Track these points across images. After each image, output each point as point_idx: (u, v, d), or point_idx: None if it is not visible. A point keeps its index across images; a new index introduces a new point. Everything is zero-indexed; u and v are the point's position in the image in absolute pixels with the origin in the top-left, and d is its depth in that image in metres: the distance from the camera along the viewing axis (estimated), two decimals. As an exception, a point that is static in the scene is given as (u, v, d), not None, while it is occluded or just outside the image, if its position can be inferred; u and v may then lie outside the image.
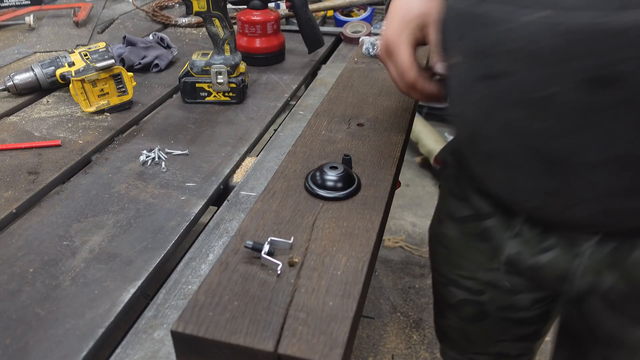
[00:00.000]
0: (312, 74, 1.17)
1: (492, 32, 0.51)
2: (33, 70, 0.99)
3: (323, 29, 1.34)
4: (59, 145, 0.83)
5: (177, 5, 1.61)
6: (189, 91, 0.98)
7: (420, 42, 0.65)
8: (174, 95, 1.04)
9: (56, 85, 1.02)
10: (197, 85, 0.97)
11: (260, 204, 0.62)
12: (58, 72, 0.98)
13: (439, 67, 0.64)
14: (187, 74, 0.97)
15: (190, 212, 0.69)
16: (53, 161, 0.79)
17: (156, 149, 0.81)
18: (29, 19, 1.38)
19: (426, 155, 2.46)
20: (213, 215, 0.69)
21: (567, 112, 0.49)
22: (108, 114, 0.94)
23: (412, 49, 0.65)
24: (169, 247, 0.63)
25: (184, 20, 1.44)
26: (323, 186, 0.64)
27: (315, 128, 0.81)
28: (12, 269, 0.59)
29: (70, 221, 0.67)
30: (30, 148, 0.83)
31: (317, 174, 0.65)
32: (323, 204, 0.62)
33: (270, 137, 0.88)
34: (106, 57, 0.96)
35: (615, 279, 0.60)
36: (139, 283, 0.58)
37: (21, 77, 0.99)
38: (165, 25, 1.45)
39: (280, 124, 0.92)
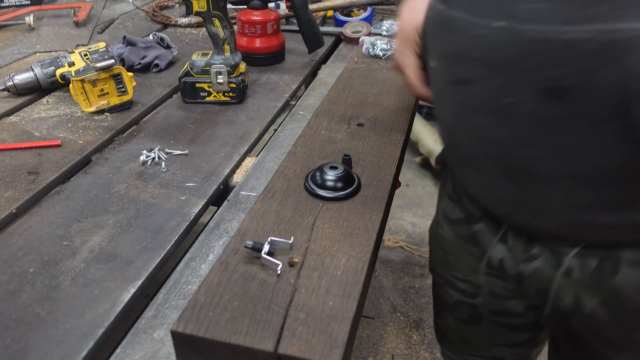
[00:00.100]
0: (312, 74, 1.17)
1: (458, 38, 0.52)
2: (33, 70, 0.99)
3: (323, 29, 1.34)
4: (59, 145, 0.83)
5: (177, 5, 1.61)
6: (189, 91, 0.98)
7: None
8: (174, 95, 1.04)
9: (56, 85, 1.02)
10: (197, 85, 0.97)
11: (260, 204, 0.62)
12: (58, 72, 0.98)
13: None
14: (187, 74, 0.97)
15: (190, 212, 0.69)
16: (53, 161, 0.79)
17: (156, 149, 0.81)
18: (29, 19, 1.38)
19: (426, 155, 2.46)
20: (213, 215, 0.69)
21: (524, 123, 0.49)
22: (108, 114, 0.93)
23: (416, 64, 0.68)
24: (169, 247, 0.63)
25: (184, 20, 1.44)
26: (323, 186, 0.64)
27: (315, 128, 0.81)
28: (12, 269, 0.59)
29: (70, 221, 0.67)
30: (30, 148, 0.83)
31: (317, 174, 0.65)
32: (323, 204, 0.62)
33: (270, 137, 0.88)
34: (106, 57, 0.96)
35: (595, 305, 0.58)
36: (139, 283, 0.58)
37: (21, 77, 0.99)
38: (165, 25, 1.45)
39: (280, 124, 0.92)
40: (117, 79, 0.92)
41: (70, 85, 0.89)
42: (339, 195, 0.63)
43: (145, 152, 0.80)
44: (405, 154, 0.84)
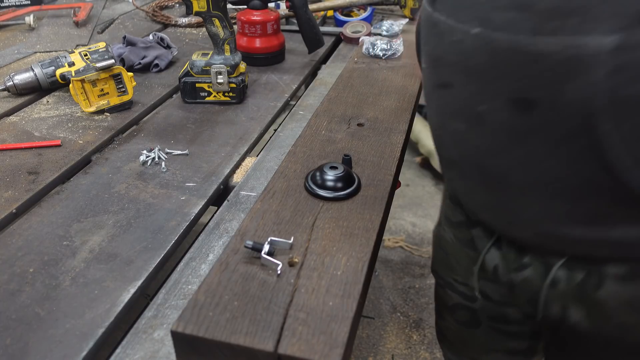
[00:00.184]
0: (312, 74, 1.17)
1: (441, 42, 0.52)
2: (33, 70, 0.99)
3: (323, 29, 1.34)
4: (59, 145, 0.83)
5: (177, 5, 1.61)
6: (189, 91, 0.98)
7: None
8: (174, 95, 1.04)
9: (56, 85, 1.02)
10: (197, 85, 0.97)
11: (260, 204, 0.62)
12: (58, 72, 0.98)
13: None
14: (187, 74, 0.97)
15: (190, 212, 0.69)
16: (53, 161, 0.79)
17: (156, 149, 0.81)
18: (29, 19, 1.38)
19: (426, 155, 2.46)
20: (213, 215, 0.69)
21: (497, 131, 0.49)
22: (108, 114, 0.93)
23: None
24: (169, 247, 0.63)
25: (184, 20, 1.44)
26: (323, 186, 0.64)
27: (315, 128, 0.81)
28: (12, 269, 0.59)
29: (70, 221, 0.67)
30: (30, 148, 0.83)
31: (317, 174, 0.65)
32: (323, 204, 0.62)
33: (270, 137, 0.88)
34: (106, 57, 0.96)
35: (580, 316, 0.58)
36: (139, 283, 0.58)
37: (21, 77, 0.99)
38: (165, 25, 1.45)
39: (280, 124, 0.92)
40: (117, 79, 0.92)
41: (70, 85, 0.89)
42: (339, 195, 0.63)
43: (145, 152, 0.80)
44: (405, 154, 0.84)
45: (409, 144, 2.38)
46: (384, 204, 0.63)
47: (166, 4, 1.58)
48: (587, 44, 0.40)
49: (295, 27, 1.30)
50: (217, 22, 0.93)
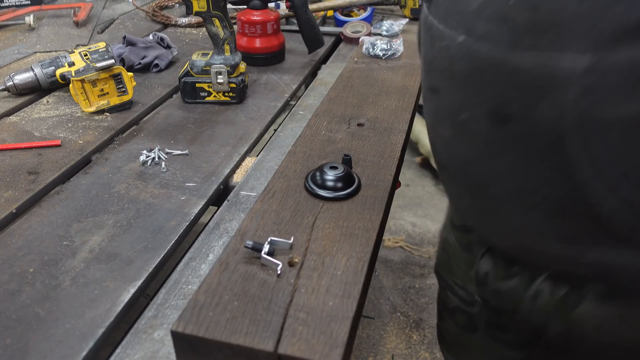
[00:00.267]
0: (312, 74, 1.17)
1: (433, 46, 0.51)
2: (33, 70, 0.99)
3: (323, 29, 1.34)
4: (59, 145, 0.83)
5: (177, 5, 1.61)
6: (189, 91, 0.98)
7: None
8: (174, 95, 1.04)
9: (56, 85, 1.02)
10: (197, 85, 0.97)
11: (260, 204, 0.62)
12: (58, 72, 0.98)
13: None
14: (187, 74, 0.97)
15: (190, 212, 0.69)
16: (53, 161, 0.79)
17: (156, 149, 0.81)
18: (29, 19, 1.38)
19: (426, 155, 2.46)
20: (213, 215, 0.69)
21: (477, 141, 0.49)
22: (108, 114, 0.93)
23: None
24: (169, 247, 0.63)
25: (184, 20, 1.44)
26: (323, 186, 0.64)
27: (315, 128, 0.81)
28: (12, 269, 0.59)
29: (70, 221, 0.67)
30: (30, 148, 0.83)
31: (317, 174, 0.65)
32: (323, 204, 0.62)
33: (270, 137, 0.88)
34: (106, 57, 0.96)
35: (558, 331, 0.57)
36: (139, 283, 0.58)
37: (21, 77, 0.99)
38: (165, 25, 1.45)
39: (280, 124, 0.92)
40: (117, 79, 0.92)
41: (70, 85, 0.89)
42: (339, 195, 0.63)
43: (145, 152, 0.80)
44: (405, 154, 0.84)
45: (409, 144, 2.38)
46: (384, 204, 0.63)
47: (166, 4, 1.58)
48: (560, 62, 0.39)
49: (295, 27, 1.30)
50: (217, 22, 0.93)
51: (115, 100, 0.94)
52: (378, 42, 1.12)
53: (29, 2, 1.50)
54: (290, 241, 0.55)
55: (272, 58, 1.17)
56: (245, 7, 1.14)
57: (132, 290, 0.56)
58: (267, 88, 1.06)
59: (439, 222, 2.12)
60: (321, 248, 0.55)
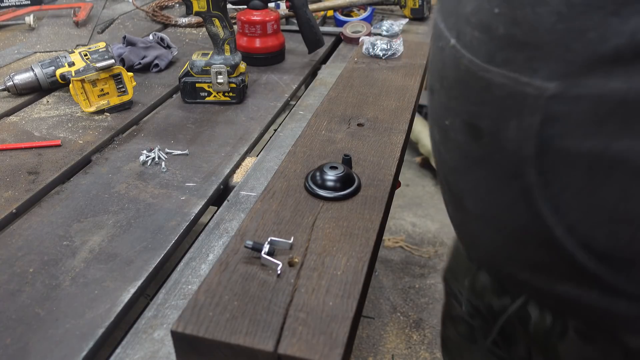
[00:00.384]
0: (312, 74, 1.17)
1: (434, 45, 0.50)
2: (33, 70, 0.99)
3: (323, 29, 1.34)
4: (59, 145, 0.83)
5: (177, 5, 1.61)
6: (189, 91, 0.98)
7: None
8: (174, 95, 1.04)
9: (56, 85, 1.02)
10: (197, 85, 0.97)
11: (260, 204, 0.62)
12: (58, 72, 0.98)
13: None
14: (187, 74, 0.97)
15: (190, 212, 0.69)
16: (53, 161, 0.79)
17: (156, 149, 0.81)
18: (29, 19, 1.38)
19: (426, 155, 2.46)
20: (213, 215, 0.69)
21: (456, 150, 0.47)
22: (108, 114, 0.93)
23: None
24: (169, 247, 0.63)
25: (184, 20, 1.44)
26: (323, 186, 0.64)
27: (315, 128, 0.81)
28: (12, 269, 0.59)
29: (70, 221, 0.67)
30: (30, 148, 0.83)
31: (317, 174, 0.65)
32: (323, 204, 0.62)
33: (270, 137, 0.88)
34: (106, 57, 0.96)
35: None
36: (139, 283, 0.58)
37: (21, 77, 0.99)
38: (165, 25, 1.45)
39: (280, 124, 0.92)
40: (117, 79, 0.92)
41: (70, 85, 0.89)
42: (339, 195, 0.63)
43: (145, 152, 0.80)
44: (405, 154, 0.84)
45: (409, 144, 2.38)
46: (384, 204, 0.63)
47: (166, 4, 1.58)
48: (529, 85, 0.37)
49: (295, 27, 1.30)
50: (217, 22, 0.93)
51: (115, 100, 0.94)
52: (378, 42, 1.12)
53: (29, 2, 1.50)
54: (290, 241, 0.55)
55: (272, 58, 1.17)
56: (245, 7, 1.14)
57: (132, 290, 0.56)
58: (267, 88, 1.06)
59: (439, 222, 2.13)
60: (321, 248, 0.55)
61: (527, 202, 0.41)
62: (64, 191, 0.73)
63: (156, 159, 0.80)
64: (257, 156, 0.83)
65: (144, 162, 0.79)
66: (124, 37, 1.16)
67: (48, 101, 0.99)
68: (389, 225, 2.12)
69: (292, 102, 1.02)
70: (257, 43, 1.14)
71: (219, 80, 0.95)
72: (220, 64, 0.95)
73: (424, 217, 2.18)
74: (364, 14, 1.41)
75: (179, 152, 0.82)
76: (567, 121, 0.36)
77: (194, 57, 0.97)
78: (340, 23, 1.39)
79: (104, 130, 0.88)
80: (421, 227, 2.13)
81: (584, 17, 0.33)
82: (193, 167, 0.79)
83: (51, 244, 0.63)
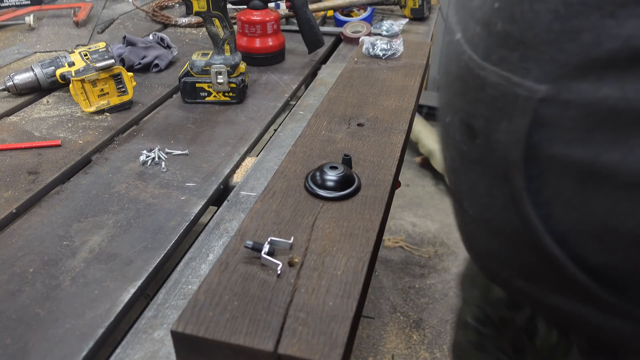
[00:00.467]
0: (312, 74, 1.17)
1: (444, 39, 0.49)
2: (33, 70, 0.99)
3: (323, 29, 1.34)
4: (59, 145, 0.83)
5: (177, 5, 1.61)
6: (189, 91, 0.98)
7: None
8: (174, 95, 1.04)
9: (56, 85, 1.02)
10: (197, 85, 0.97)
11: (260, 204, 0.62)
12: (58, 72, 0.98)
13: None
14: (187, 74, 0.97)
15: (190, 212, 0.69)
16: (53, 161, 0.79)
17: (156, 149, 0.81)
18: (29, 19, 1.38)
19: (426, 155, 2.46)
20: (213, 215, 0.69)
21: (455, 150, 0.46)
22: (108, 114, 0.93)
23: None
24: (169, 247, 0.63)
25: (184, 20, 1.44)
26: (323, 186, 0.64)
27: (315, 128, 0.81)
28: (12, 269, 0.59)
29: (70, 221, 0.67)
30: (30, 148, 0.83)
31: (317, 174, 0.65)
32: (323, 204, 0.62)
33: (270, 137, 0.88)
34: (106, 57, 0.96)
35: None
36: (139, 283, 0.57)
37: (21, 77, 0.99)
38: (165, 25, 1.45)
39: (280, 124, 0.92)
40: (117, 79, 0.92)
41: (70, 85, 0.89)
42: (339, 195, 0.63)
43: (145, 152, 0.80)
44: (405, 154, 0.84)
45: (409, 144, 2.38)
46: (384, 204, 0.63)
47: (166, 4, 1.58)
48: (520, 85, 0.36)
49: (295, 27, 1.30)
50: (217, 22, 0.93)
51: (115, 100, 0.94)
52: (378, 42, 1.12)
53: (29, 2, 1.50)
54: (290, 241, 0.55)
55: (272, 58, 1.17)
56: (245, 7, 1.14)
57: (132, 290, 0.56)
58: (267, 88, 1.06)
59: (439, 222, 2.13)
60: (321, 248, 0.55)
61: (516, 207, 0.40)
62: (64, 191, 0.73)
63: (156, 159, 0.80)
64: (257, 156, 0.83)
65: (144, 162, 0.79)
66: (124, 37, 1.16)
67: (48, 101, 0.99)
68: (389, 225, 2.12)
69: (292, 102, 1.02)
70: (257, 43, 1.14)
71: (219, 80, 0.95)
72: (220, 64, 0.95)
73: (424, 217, 2.18)
74: (364, 14, 1.41)
75: (179, 152, 0.82)
76: (556, 127, 0.35)
77: (194, 57, 0.97)
78: (340, 23, 1.39)
79: (104, 130, 0.88)
80: (421, 227, 2.13)
81: (580, 17, 0.32)
82: (193, 167, 0.79)
83: (51, 244, 0.63)
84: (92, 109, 0.92)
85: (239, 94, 0.98)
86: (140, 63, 1.11)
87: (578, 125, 0.34)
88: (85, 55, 0.97)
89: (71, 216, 0.68)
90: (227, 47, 0.95)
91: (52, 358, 0.49)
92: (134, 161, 0.80)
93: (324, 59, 1.24)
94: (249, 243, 0.53)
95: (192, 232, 0.68)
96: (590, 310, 0.40)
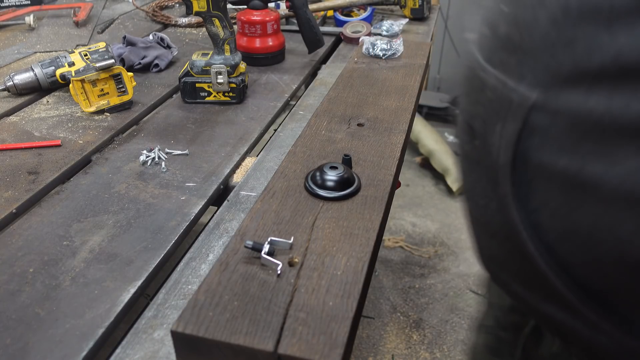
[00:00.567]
0: (312, 74, 1.17)
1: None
2: (33, 70, 0.99)
3: (323, 29, 1.34)
4: (59, 145, 0.83)
5: (177, 5, 1.61)
6: (189, 91, 0.98)
7: None
8: (174, 95, 1.04)
9: (56, 85, 1.02)
10: (197, 85, 0.97)
11: (260, 204, 0.62)
12: (58, 72, 0.98)
13: None
14: (187, 74, 0.97)
15: (190, 212, 0.69)
16: (53, 161, 0.79)
17: (156, 149, 0.81)
18: (29, 19, 1.38)
19: (426, 155, 2.46)
20: (213, 215, 0.69)
21: (460, 149, 0.46)
22: (108, 114, 0.93)
23: None
24: (169, 247, 0.63)
25: (184, 20, 1.44)
26: (323, 186, 0.64)
27: (315, 128, 0.81)
28: (12, 269, 0.59)
29: (70, 221, 0.67)
30: (30, 148, 0.83)
31: (317, 174, 0.65)
32: (323, 204, 0.62)
33: (270, 137, 0.88)
34: (106, 57, 0.96)
35: None
36: (139, 283, 0.57)
37: (21, 77, 0.99)
38: (165, 25, 1.45)
39: (280, 124, 0.92)
40: (117, 79, 0.92)
41: (70, 85, 0.89)
42: (339, 195, 0.63)
43: (145, 152, 0.80)
44: (405, 154, 0.84)
45: (409, 144, 2.38)
46: (384, 204, 0.63)
47: (166, 4, 1.58)
48: (515, 90, 0.36)
49: (295, 27, 1.30)
50: (217, 22, 0.93)
51: (115, 100, 0.94)
52: (378, 42, 1.12)
53: (29, 2, 1.50)
54: (290, 241, 0.55)
55: (272, 58, 1.17)
56: (245, 7, 1.14)
57: (132, 290, 0.56)
58: (267, 88, 1.06)
59: (439, 222, 2.13)
60: (321, 248, 0.55)
61: (502, 212, 0.40)
62: (64, 191, 0.73)
63: (156, 159, 0.80)
64: (257, 156, 0.83)
65: (144, 162, 0.79)
66: (124, 37, 1.16)
67: (48, 101, 0.99)
68: (389, 225, 2.12)
69: (292, 102, 1.02)
70: (257, 43, 1.14)
71: (219, 80, 0.95)
72: (220, 64, 0.95)
73: (424, 217, 2.18)
74: (364, 14, 1.41)
75: (179, 152, 0.82)
76: (545, 135, 0.35)
77: (194, 57, 0.97)
78: (340, 23, 1.39)
79: (104, 130, 0.88)
80: (421, 227, 2.13)
81: (576, 27, 0.32)
82: (193, 167, 0.79)
83: (51, 244, 0.63)
84: (92, 109, 0.92)
85: (239, 94, 0.98)
86: (140, 63, 1.11)
87: (565, 135, 0.34)
88: (85, 55, 0.97)
89: (71, 216, 0.68)
90: (227, 47, 0.95)
91: (52, 358, 0.49)
92: (134, 161, 0.80)
93: (324, 59, 1.24)
94: (249, 243, 0.53)
95: (192, 232, 0.68)
96: (580, 324, 0.39)
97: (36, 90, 1.01)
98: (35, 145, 0.83)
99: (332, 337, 0.45)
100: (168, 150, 0.82)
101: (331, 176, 0.64)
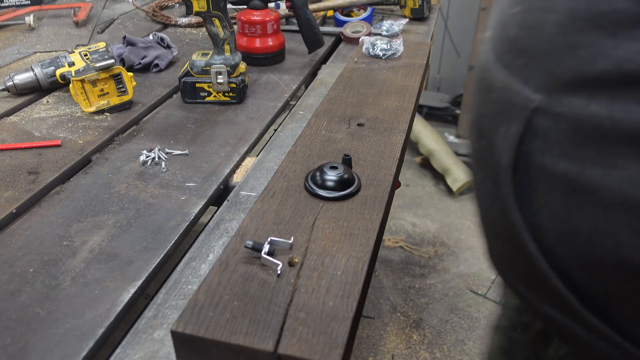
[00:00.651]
0: (312, 74, 1.17)
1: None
2: (33, 70, 0.99)
3: (323, 29, 1.34)
4: (59, 145, 0.83)
5: (177, 5, 1.61)
6: (189, 91, 0.98)
7: None
8: (174, 95, 1.04)
9: (56, 85, 1.02)
10: (197, 85, 0.97)
11: (260, 204, 0.62)
12: (58, 72, 0.98)
13: None
14: (187, 74, 0.97)
15: (190, 212, 0.69)
16: (53, 161, 0.79)
17: (156, 149, 0.81)
18: (29, 19, 1.38)
19: (426, 155, 2.46)
20: (213, 215, 0.69)
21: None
22: (108, 114, 0.93)
23: None
24: (169, 247, 0.63)
25: (184, 20, 1.44)
26: (323, 186, 0.64)
27: (315, 128, 0.81)
28: (12, 269, 0.59)
29: (70, 221, 0.67)
30: (30, 148, 0.83)
31: (317, 174, 0.65)
32: (323, 204, 0.62)
33: (270, 137, 0.88)
34: (106, 57, 0.96)
35: None
36: (139, 283, 0.57)
37: (21, 77, 0.99)
38: (165, 25, 1.45)
39: (280, 124, 0.92)
40: (117, 79, 0.92)
41: (70, 85, 0.89)
42: (339, 195, 0.63)
43: (145, 152, 0.80)
44: (405, 154, 0.84)
45: (409, 144, 2.39)
46: (384, 204, 0.63)
47: (166, 4, 1.58)
48: (519, 93, 0.36)
49: (295, 27, 1.30)
50: (217, 22, 0.93)
51: (115, 100, 0.94)
52: (378, 42, 1.12)
53: (29, 2, 1.50)
54: (290, 241, 0.55)
55: (272, 58, 1.17)
56: (245, 7, 1.14)
57: (132, 290, 0.56)
58: (267, 88, 1.06)
59: (439, 222, 2.13)
60: (321, 248, 0.55)
61: (503, 212, 0.40)
62: (64, 191, 0.73)
63: (156, 159, 0.80)
64: (257, 156, 0.83)
65: (144, 162, 0.79)
66: (124, 37, 1.16)
67: (48, 101, 0.99)
68: (389, 225, 2.12)
69: (292, 102, 1.02)
70: (257, 43, 1.14)
71: (219, 80, 0.95)
72: (220, 64, 0.95)
73: (424, 217, 2.18)
74: (364, 14, 1.41)
75: (179, 152, 0.82)
76: (546, 138, 0.35)
77: (194, 57, 0.97)
78: (340, 23, 1.39)
79: (104, 130, 0.88)
80: (421, 227, 2.13)
81: (581, 33, 0.33)
82: (193, 167, 0.79)
83: (51, 244, 0.63)
84: (92, 109, 0.92)
85: (239, 94, 0.98)
86: (140, 63, 1.11)
87: (566, 139, 0.34)
88: (85, 55, 0.97)
89: (71, 216, 0.68)
90: (227, 47, 0.95)
91: (52, 358, 0.49)
92: (134, 161, 0.80)
93: (324, 59, 1.24)
94: (249, 243, 0.53)
95: (192, 232, 0.68)
96: (579, 326, 0.39)
97: (36, 90, 1.01)
98: (35, 145, 0.83)
99: (332, 337, 0.45)
100: (168, 150, 0.82)
101: (331, 176, 0.64)
